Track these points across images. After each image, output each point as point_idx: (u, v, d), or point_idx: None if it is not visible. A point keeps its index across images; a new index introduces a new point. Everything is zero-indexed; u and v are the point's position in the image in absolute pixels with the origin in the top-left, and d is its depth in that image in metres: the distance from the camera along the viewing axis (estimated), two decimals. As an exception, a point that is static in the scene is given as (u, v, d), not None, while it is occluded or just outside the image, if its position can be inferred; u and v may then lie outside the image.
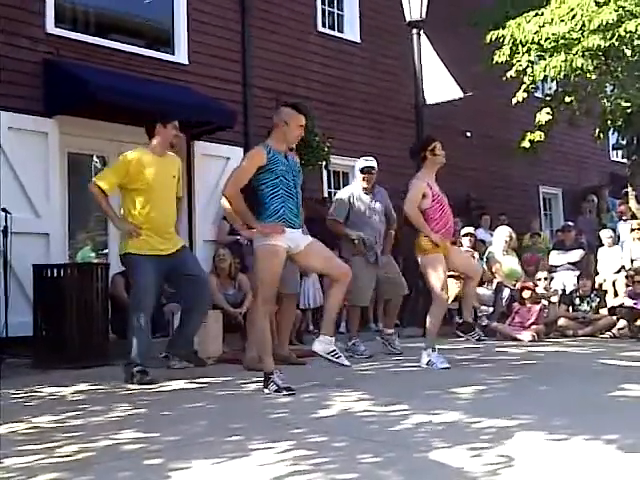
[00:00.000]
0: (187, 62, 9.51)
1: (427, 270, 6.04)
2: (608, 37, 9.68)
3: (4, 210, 7.01)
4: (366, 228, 7.07)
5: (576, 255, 10.49)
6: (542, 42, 10.13)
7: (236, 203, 4.99)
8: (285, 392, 4.68)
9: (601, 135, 11.43)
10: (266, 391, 4.79)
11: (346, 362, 4.98)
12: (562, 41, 10.01)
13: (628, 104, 10.20)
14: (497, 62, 10.52)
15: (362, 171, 7.22)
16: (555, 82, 11.41)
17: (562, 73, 10.08)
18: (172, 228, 5.76)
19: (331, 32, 11.69)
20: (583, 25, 9.73)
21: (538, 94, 11.98)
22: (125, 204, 5.64)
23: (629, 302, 9.13)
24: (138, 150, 5.70)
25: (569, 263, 10.46)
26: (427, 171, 6.19)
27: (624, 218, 11.59)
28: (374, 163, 7.30)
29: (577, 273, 10.12)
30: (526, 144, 10.98)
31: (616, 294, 9.70)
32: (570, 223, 11.52)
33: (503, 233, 10.14)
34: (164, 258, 5.58)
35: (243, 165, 5.06)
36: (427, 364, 5.95)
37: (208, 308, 5.96)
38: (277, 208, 4.90)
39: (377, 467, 2.93)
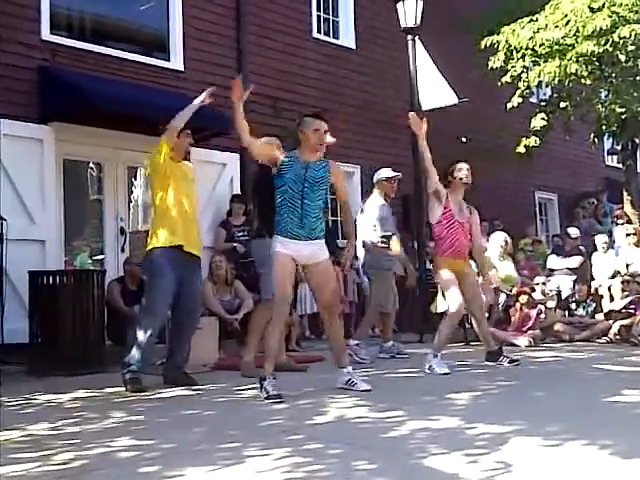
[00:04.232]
0: (183, 69, 9.52)
1: (442, 286, 6.40)
2: (602, 43, 9.72)
3: (-1, 217, 7.01)
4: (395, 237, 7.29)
5: (575, 261, 10.51)
6: (536, 48, 10.18)
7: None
8: (272, 400, 4.66)
9: (596, 140, 11.47)
10: (261, 396, 4.78)
11: (364, 386, 5.02)
12: (556, 47, 10.07)
13: (623, 109, 10.24)
14: (492, 68, 10.56)
15: (389, 180, 7.37)
16: (550, 87, 11.44)
17: (557, 79, 10.13)
18: (195, 231, 5.79)
19: (326, 38, 11.71)
20: (577, 31, 9.78)
21: (533, 99, 12.01)
22: (155, 202, 5.67)
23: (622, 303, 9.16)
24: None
25: (567, 268, 10.48)
26: (452, 192, 6.36)
27: (619, 222, 11.61)
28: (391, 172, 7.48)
29: (574, 278, 10.14)
30: (521, 149, 11.01)
31: (612, 299, 9.72)
32: (575, 231, 11.44)
33: (498, 239, 10.14)
34: (183, 258, 5.58)
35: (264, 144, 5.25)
36: (428, 369, 6.02)
37: (195, 330, 5.89)
38: (279, 219, 4.98)
39: (372, 474, 2.93)
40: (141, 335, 5.47)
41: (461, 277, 6.22)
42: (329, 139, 5.22)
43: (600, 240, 10.67)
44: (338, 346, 5.19)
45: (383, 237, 7.17)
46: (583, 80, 10.47)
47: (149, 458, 3.29)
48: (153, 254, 5.58)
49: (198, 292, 5.93)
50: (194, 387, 5.47)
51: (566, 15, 9.91)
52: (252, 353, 6.04)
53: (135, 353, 5.46)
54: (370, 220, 7.26)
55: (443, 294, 6.66)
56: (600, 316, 9.42)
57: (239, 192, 9.52)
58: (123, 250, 8.72)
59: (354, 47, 11.94)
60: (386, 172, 7.47)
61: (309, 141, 5.02)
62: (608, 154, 16.04)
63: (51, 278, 6.79)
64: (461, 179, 6.38)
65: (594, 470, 2.94)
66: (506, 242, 10.17)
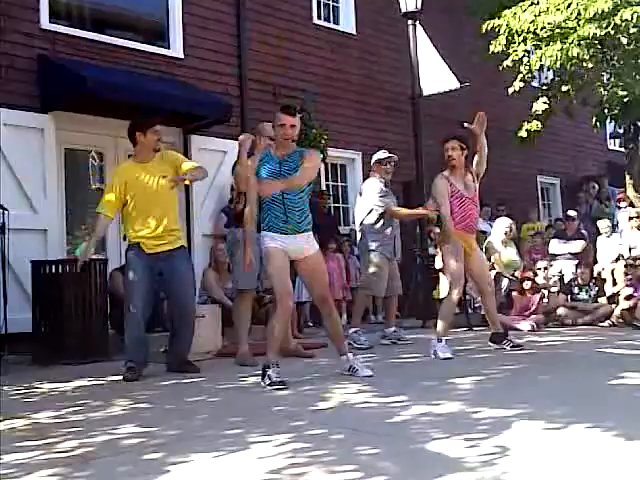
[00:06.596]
0: (182, 56, 9.49)
1: (444, 260, 6.35)
2: (604, 26, 9.64)
3: (1, 207, 6.99)
4: (392, 221, 7.31)
5: (577, 246, 10.50)
6: (538, 31, 10.10)
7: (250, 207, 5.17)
8: (276, 386, 4.68)
9: (598, 124, 11.40)
10: (262, 384, 4.81)
11: (366, 372, 5.04)
12: (558, 30, 9.99)
13: (625, 93, 10.18)
14: (493, 52, 10.50)
15: (382, 162, 7.37)
16: (552, 71, 11.38)
17: (558, 62, 10.05)
18: (172, 228, 5.71)
19: (327, 24, 11.66)
20: (579, 14, 9.70)
21: (535, 83, 11.95)
22: (123, 216, 5.70)
23: (628, 290, 9.14)
24: (122, 165, 5.77)
25: (570, 253, 10.47)
26: (448, 171, 6.37)
27: (621, 206, 11.59)
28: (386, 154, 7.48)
29: (576, 262, 10.14)
30: (523, 134, 10.97)
31: (615, 283, 9.71)
32: (573, 213, 11.45)
33: (503, 224, 10.10)
34: (158, 257, 5.58)
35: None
36: (433, 354, 6.05)
37: (193, 320, 5.84)
38: (263, 217, 5.01)
39: (375, 459, 2.94)
40: (127, 328, 5.58)
41: (469, 251, 6.27)
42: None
43: (603, 224, 10.64)
44: (337, 336, 5.20)
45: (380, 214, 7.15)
46: (585, 63, 10.40)
47: (153, 445, 3.31)
48: (128, 250, 5.65)
49: (186, 278, 5.82)
50: (197, 374, 5.49)
51: (567, -3, 9.84)
52: (245, 343, 6.07)
53: (128, 346, 5.54)
54: (367, 201, 7.26)
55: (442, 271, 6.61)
56: (603, 300, 9.42)
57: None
58: (125, 239, 8.71)
59: (354, 32, 11.89)
60: (380, 154, 7.50)
61: (277, 136, 5.05)
62: (610, 137, 15.98)
63: (53, 267, 6.80)
64: (448, 159, 6.35)
65: (597, 453, 2.94)
66: (510, 228, 10.16)
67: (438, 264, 9.34)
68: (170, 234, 5.68)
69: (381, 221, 7.18)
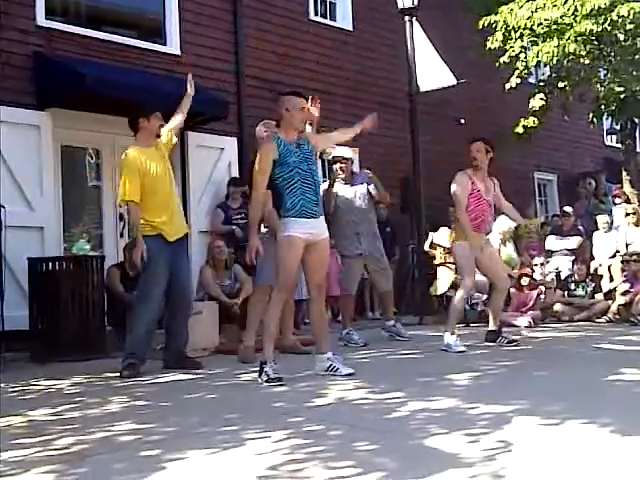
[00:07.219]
0: (179, 53, 9.47)
1: (455, 257, 6.58)
2: (601, 22, 9.64)
3: (-2, 204, 6.98)
4: (350, 218, 7.14)
5: (574, 242, 10.49)
6: (535, 27, 10.09)
7: (256, 209, 5.05)
8: (274, 383, 4.67)
9: (595, 120, 11.41)
10: (259, 380, 4.80)
11: (347, 370, 4.93)
12: (555, 26, 9.98)
13: (621, 89, 10.18)
14: (490, 48, 10.49)
15: (331, 162, 7.40)
16: (548, 67, 11.38)
17: (555, 58, 10.04)
18: (180, 212, 5.85)
19: (324, 20, 11.63)
20: (575, 10, 9.69)
21: (532, 80, 11.95)
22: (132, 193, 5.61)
23: (625, 286, 9.15)
24: (129, 153, 5.65)
25: (566, 249, 10.47)
26: (473, 173, 6.56)
27: (617, 202, 11.59)
28: (344, 152, 7.41)
29: (572, 258, 10.14)
30: (520, 130, 10.96)
31: (611, 279, 9.72)
32: (569, 209, 11.46)
33: (505, 224, 10.02)
34: (171, 244, 5.61)
35: (260, 165, 4.99)
36: (445, 346, 6.10)
37: (190, 312, 5.91)
38: (295, 202, 4.87)
39: (373, 455, 2.93)
40: (140, 322, 5.50)
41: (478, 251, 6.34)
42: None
43: (602, 220, 10.65)
44: (320, 329, 5.11)
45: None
46: (582, 60, 10.40)
47: (150, 442, 3.30)
48: (146, 240, 5.53)
49: (188, 272, 5.93)
50: (194, 371, 5.48)
51: (564, -7, 9.83)
52: (252, 339, 6.05)
53: (134, 341, 5.47)
54: None
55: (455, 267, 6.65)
56: (599, 296, 9.43)
57: (237, 176, 9.50)
58: (122, 236, 8.71)
59: (351, 29, 11.86)
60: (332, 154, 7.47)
61: (295, 119, 4.97)
62: (607, 134, 15.97)
63: (50, 264, 6.79)
64: (471, 162, 6.45)
65: (594, 448, 2.94)
66: (510, 228, 10.12)
67: (441, 241, 9.37)
68: (180, 219, 5.77)
69: (339, 220, 7.09)
